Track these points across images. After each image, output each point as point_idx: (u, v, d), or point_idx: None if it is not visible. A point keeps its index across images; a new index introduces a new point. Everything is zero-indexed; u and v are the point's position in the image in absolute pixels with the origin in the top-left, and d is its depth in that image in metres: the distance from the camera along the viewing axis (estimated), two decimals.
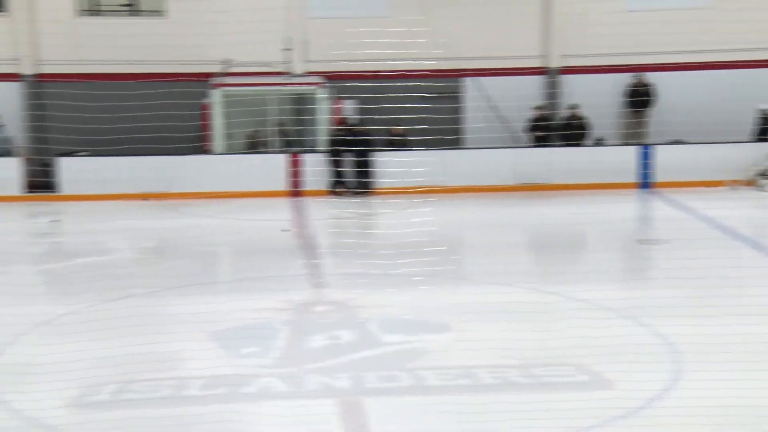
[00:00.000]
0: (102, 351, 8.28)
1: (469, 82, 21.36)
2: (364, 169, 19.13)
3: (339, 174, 19.27)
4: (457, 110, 21.05)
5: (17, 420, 7.46)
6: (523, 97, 20.30)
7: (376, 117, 17.74)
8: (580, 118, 20.28)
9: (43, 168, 18.67)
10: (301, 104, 20.54)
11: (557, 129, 20.31)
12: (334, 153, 19.02)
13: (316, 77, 20.30)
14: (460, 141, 20.96)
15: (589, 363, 8.33)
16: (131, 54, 19.61)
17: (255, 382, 8.28)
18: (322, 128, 19.98)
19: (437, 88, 18.57)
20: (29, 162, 19.02)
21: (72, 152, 18.65)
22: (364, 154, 18.92)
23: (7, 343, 9.22)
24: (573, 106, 20.44)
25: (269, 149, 19.93)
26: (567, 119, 20.48)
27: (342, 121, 19.93)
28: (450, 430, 6.98)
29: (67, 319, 10.11)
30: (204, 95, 19.49)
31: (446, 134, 19.39)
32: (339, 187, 19.30)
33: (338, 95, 20.09)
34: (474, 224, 16.55)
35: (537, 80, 21.43)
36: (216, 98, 19.49)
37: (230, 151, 19.82)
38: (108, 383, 8.21)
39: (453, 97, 21.08)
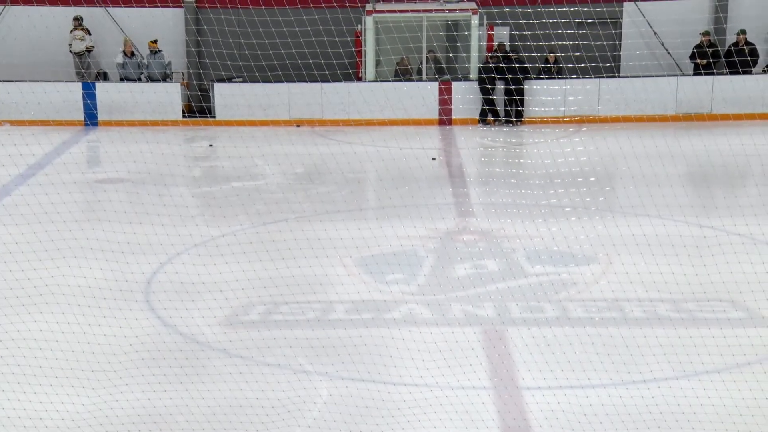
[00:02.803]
0: (253, 273, 8.55)
1: (627, 7, 20.51)
2: (515, 98, 18.80)
3: (490, 102, 19.02)
4: (614, 36, 20.29)
5: (172, 335, 7.84)
6: (685, 23, 19.35)
7: (530, 44, 17.32)
8: (748, 45, 19.20)
9: (200, 93, 19.24)
10: (454, 31, 20.28)
11: (723, 56, 19.32)
12: (485, 81, 18.75)
13: (469, 3, 19.96)
14: (617, 69, 20.25)
15: (745, 299, 8.00)
16: None
17: (399, 308, 8.39)
18: (474, 55, 19.70)
19: (595, 14, 17.94)
20: (188, 87, 19.64)
21: (227, 78, 19.12)
22: (516, 82, 18.57)
23: (164, 262, 9.65)
24: (741, 32, 19.35)
25: (419, 77, 19.85)
26: (734, 46, 19.43)
27: (495, 48, 19.59)
28: (595, 362, 6.88)
29: (221, 241, 10.48)
30: (357, 22, 19.51)
31: (602, 62, 18.77)
32: (489, 115, 19.07)
33: (492, 21, 19.71)
34: (629, 155, 16.01)
35: (701, 4, 20.36)
36: (368, 25, 19.48)
37: (381, 78, 19.85)
38: (258, 304, 8.50)
39: (611, 22, 20.32)
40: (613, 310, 8.16)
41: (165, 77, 19.46)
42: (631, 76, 19.49)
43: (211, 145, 17.63)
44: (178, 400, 6.41)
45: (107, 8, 19.92)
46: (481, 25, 19.67)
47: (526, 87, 18.75)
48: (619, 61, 20.28)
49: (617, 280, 8.70)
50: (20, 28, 19.71)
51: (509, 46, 19.39)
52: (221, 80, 19.15)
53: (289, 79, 18.15)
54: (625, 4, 20.46)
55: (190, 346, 7.62)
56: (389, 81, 19.76)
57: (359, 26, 19.57)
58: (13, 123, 18.06)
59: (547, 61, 19.26)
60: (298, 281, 8.63)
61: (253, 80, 17.88)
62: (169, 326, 8.03)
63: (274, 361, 7.21)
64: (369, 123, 18.42)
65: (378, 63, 19.76)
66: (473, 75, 19.41)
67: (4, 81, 18.59)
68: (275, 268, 8.84)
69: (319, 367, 7.09)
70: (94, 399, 6.41)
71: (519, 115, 18.84)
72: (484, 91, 18.87)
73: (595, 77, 18.32)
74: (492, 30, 19.84)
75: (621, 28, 20.47)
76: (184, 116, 19.15)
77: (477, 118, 19.06)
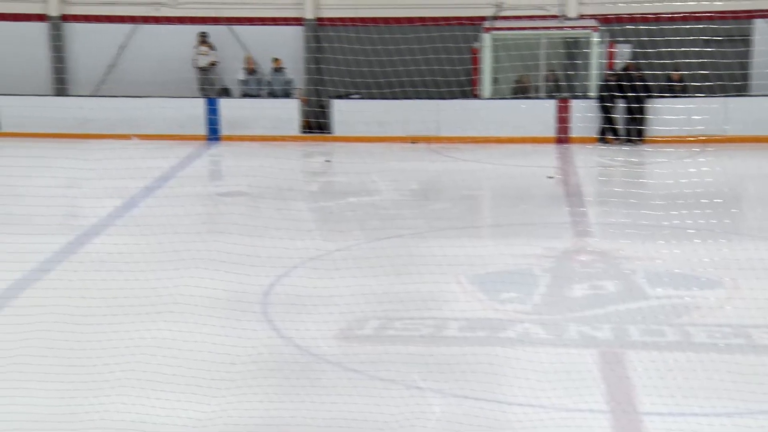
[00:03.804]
0: (368, 287, 8.63)
1: (759, 24, 19.91)
2: (637, 116, 18.45)
3: (610, 121, 18.72)
4: (744, 54, 19.70)
5: (288, 347, 7.98)
6: None
7: (653, 61, 16.99)
8: None
9: (318, 109, 19.58)
10: (574, 48, 20.07)
11: None
12: (605, 99, 18.47)
13: (590, 20, 19.74)
14: (746, 87, 19.65)
15: None
16: None
17: (514, 327, 8.33)
18: (594, 73, 19.45)
19: (723, 31, 17.48)
20: (306, 103, 20.01)
21: (345, 94, 19.40)
22: (638, 100, 18.22)
23: (281, 275, 9.83)
24: None
25: (537, 94, 19.71)
26: None
27: (616, 66, 19.30)
28: (720, 390, 6.67)
29: (336, 255, 10.62)
30: (474, 39, 19.54)
31: (730, 80, 18.26)
32: (609, 134, 18.77)
33: (613, 39, 19.43)
34: (757, 176, 15.56)
35: None
36: (486, 42, 19.47)
37: (498, 95, 19.80)
38: (372, 318, 8.57)
39: (741, 40, 19.75)
40: (739, 336, 7.90)
41: (286, 94, 19.89)
42: (762, 95, 18.89)
43: (328, 161, 17.90)
44: (294, 411, 6.52)
45: (230, 26, 20.49)
46: (601, 42, 19.42)
47: (648, 105, 18.39)
48: (749, 80, 19.67)
49: (743, 306, 8.43)
50: (149, 46, 20.48)
51: (630, 64, 19.07)
52: (339, 96, 19.44)
53: (406, 96, 18.35)
54: (756, 21, 19.86)
55: (305, 358, 7.74)
56: (506, 99, 19.69)
57: (476, 43, 19.59)
58: (141, 137, 18.75)
59: (670, 79, 18.85)
60: (412, 297, 8.67)
61: (371, 97, 18.10)
62: (285, 338, 8.17)
63: (387, 376, 7.26)
64: (485, 140, 18.39)
65: (495, 80, 19.72)
66: (593, 93, 19.15)
67: (133, 96, 19.33)
68: (389, 284, 8.92)
69: (432, 384, 7.10)
70: (214, 407, 6.58)
71: (640, 134, 18.48)
72: (604, 110, 18.60)
73: (722, 96, 17.83)
74: (613, 47, 19.56)
75: (751, 45, 19.87)
76: (302, 132, 19.50)
77: (596, 136, 18.79)
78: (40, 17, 20.62)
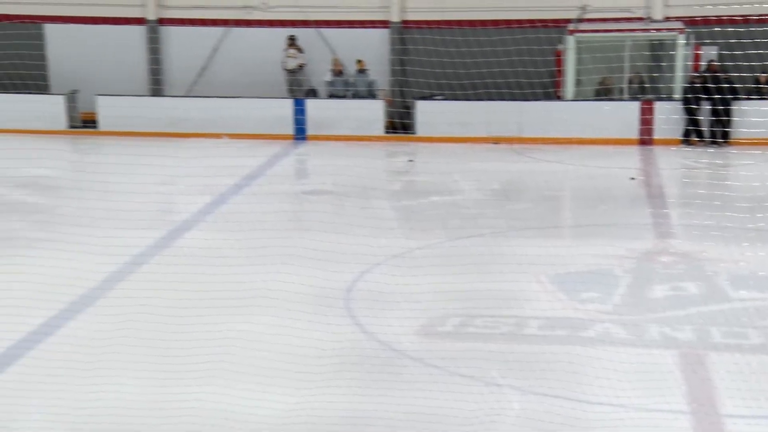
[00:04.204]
0: (448, 285, 8.61)
1: None
2: (722, 118, 18.00)
3: (695, 122, 18.30)
4: None
5: (370, 342, 8.01)
6: None
7: (740, 63, 16.56)
8: None
9: (402, 110, 19.61)
10: (659, 50, 19.68)
11: None
12: (690, 101, 18.06)
13: (676, 22, 19.33)
14: None
15: None
16: (488, 1, 19.87)
17: (594, 327, 8.21)
18: (679, 75, 19.03)
19: None
20: (391, 104, 20.06)
21: (429, 95, 19.38)
22: (723, 102, 17.78)
23: (364, 271, 9.87)
24: None
25: (621, 96, 19.38)
26: None
27: (701, 68, 18.85)
28: None
29: (418, 253, 10.62)
30: (558, 41, 19.33)
31: None
32: (693, 136, 18.35)
33: (699, 41, 18.99)
34: None
35: None
36: (570, 44, 19.23)
37: (581, 97, 19.54)
38: (453, 315, 8.55)
39: None
40: None
41: (371, 95, 19.98)
42: None
43: (411, 161, 17.92)
44: (376, 405, 6.55)
45: (319, 29, 20.67)
46: (687, 44, 18.99)
47: (734, 107, 17.93)
48: None
49: None
50: (239, 48, 20.79)
51: (716, 65, 18.61)
52: (423, 98, 19.44)
53: (489, 98, 18.23)
54: None
55: (387, 354, 7.76)
56: (589, 100, 19.42)
57: (560, 46, 19.37)
58: (230, 136, 19.06)
59: (758, 81, 18.35)
60: (493, 295, 8.61)
61: (454, 98, 18.05)
62: (367, 333, 8.21)
63: (467, 372, 7.23)
64: (568, 141, 18.16)
65: (578, 82, 19.46)
66: (677, 95, 18.75)
67: (224, 97, 19.66)
68: (470, 282, 8.88)
69: (512, 381, 7.04)
70: (298, 398, 6.64)
71: (725, 136, 18.02)
72: (689, 111, 18.20)
73: None
74: (699, 49, 19.11)
75: None
76: (386, 132, 19.56)
77: (680, 138, 18.39)
78: (139, 21, 21.12)
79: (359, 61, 20.06)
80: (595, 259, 9.94)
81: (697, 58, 19.15)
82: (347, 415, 6.49)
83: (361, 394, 6.70)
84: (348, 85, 20.17)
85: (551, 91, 19.49)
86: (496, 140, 18.67)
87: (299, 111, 19.76)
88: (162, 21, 21.20)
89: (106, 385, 6.73)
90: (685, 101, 18.17)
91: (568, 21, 19.47)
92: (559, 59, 19.48)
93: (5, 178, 14.49)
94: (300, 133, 19.72)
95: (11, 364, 7.39)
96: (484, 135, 18.59)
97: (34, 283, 8.22)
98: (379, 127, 19.57)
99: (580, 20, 19.45)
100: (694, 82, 18.30)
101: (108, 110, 19.87)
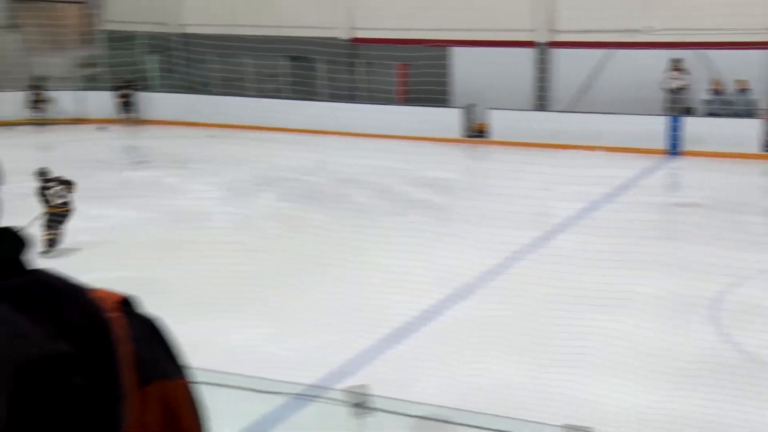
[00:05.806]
0: None
1: None
2: None
3: None
4: None
5: (733, 352, 7.54)
6: None
7: None
8: None
9: None
10: None
11: None
12: None
13: None
14: None
15: None
16: None
17: None
18: None
19: None
20: None
21: None
22: None
23: (733, 284, 9.27)
24: None
25: None
26: None
27: None
28: None
29: None
30: None
31: None
32: None
33: None
34: None
35: None
36: None
37: None
38: None
39: None
40: None
41: (749, 114, 18.64)
42: None
43: None
44: (732, 413, 6.17)
45: (703, 51, 19.68)
46: None
47: None
48: None
49: None
50: (621, 68, 20.43)
51: None
52: None
53: None
54: None
55: (752, 365, 7.27)
56: None
57: None
58: (605, 149, 18.83)
59: None
60: None
61: None
62: (732, 343, 7.74)
63: None
64: None
65: None
66: None
67: (602, 113, 19.46)
68: None
69: None
70: (656, 397, 6.47)
71: None
72: None
73: None
74: None
75: None
76: (764, 150, 18.13)
77: None
78: (529, 44, 21.58)
79: (740, 81, 18.78)
80: None
81: None
82: (699, 419, 6.18)
83: (718, 401, 6.34)
84: (726, 103, 18.98)
85: None
86: None
87: (674, 127, 18.97)
88: (551, 44, 21.47)
89: (484, 362, 7.02)
90: None
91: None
92: None
93: (411, 179, 15.58)
94: (673, 149, 18.94)
95: (408, 337, 7.98)
96: None
97: (434, 270, 8.84)
98: (754, 144, 18.20)
99: None
100: None
101: (499, 122, 20.56)
